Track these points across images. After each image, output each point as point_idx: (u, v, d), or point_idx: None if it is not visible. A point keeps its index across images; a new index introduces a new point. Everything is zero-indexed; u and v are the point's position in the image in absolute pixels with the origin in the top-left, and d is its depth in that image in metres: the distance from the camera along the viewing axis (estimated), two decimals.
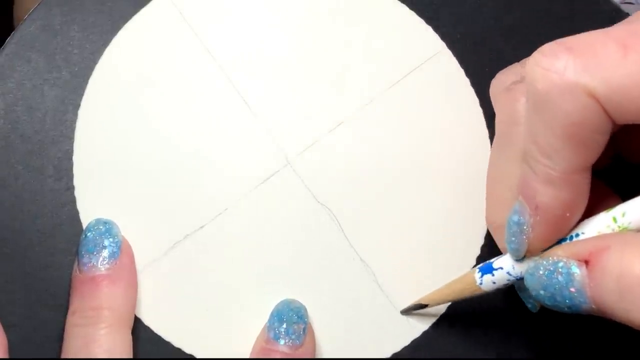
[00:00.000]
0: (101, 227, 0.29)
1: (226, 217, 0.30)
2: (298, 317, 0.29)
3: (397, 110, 0.31)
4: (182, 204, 0.30)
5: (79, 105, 0.31)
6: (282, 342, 0.28)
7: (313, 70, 0.31)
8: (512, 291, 0.31)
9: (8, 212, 0.30)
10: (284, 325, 0.28)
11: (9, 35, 0.31)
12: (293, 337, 0.28)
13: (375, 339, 0.30)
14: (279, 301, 0.29)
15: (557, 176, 0.24)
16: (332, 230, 0.30)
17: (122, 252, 0.29)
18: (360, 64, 0.32)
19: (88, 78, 0.31)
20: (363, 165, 0.31)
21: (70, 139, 0.30)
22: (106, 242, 0.29)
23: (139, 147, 0.30)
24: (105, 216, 0.30)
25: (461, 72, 0.32)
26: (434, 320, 0.30)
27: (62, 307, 0.29)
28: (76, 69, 0.31)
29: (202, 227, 0.30)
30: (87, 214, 0.30)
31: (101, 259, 0.28)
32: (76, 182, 0.30)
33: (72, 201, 0.30)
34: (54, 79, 0.31)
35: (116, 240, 0.29)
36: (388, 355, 0.30)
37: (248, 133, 0.31)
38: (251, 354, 0.29)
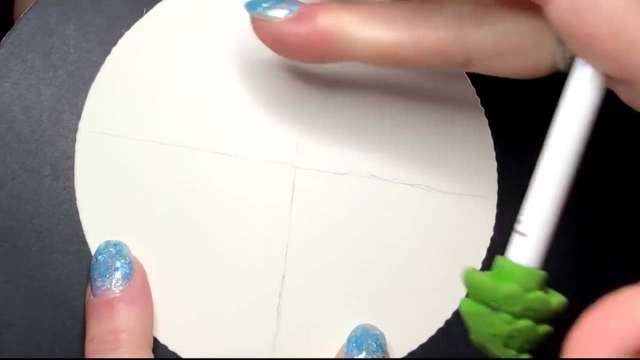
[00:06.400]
0: (111, 249, 0.29)
1: (224, 222, 0.30)
2: (377, 345, 0.28)
3: (392, 108, 0.31)
4: (182, 209, 0.30)
5: (75, 105, 0.30)
6: None
7: (308, 69, 0.31)
8: None
9: (5, 212, 0.30)
10: (363, 354, 0.28)
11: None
12: None
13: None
14: (356, 325, 0.29)
15: None
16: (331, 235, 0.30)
17: (135, 272, 0.28)
18: (354, 64, 0.31)
19: (84, 77, 0.31)
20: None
21: (67, 138, 0.30)
22: (118, 264, 0.28)
23: (141, 151, 0.30)
24: (105, 217, 0.30)
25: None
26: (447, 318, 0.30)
27: (59, 307, 0.29)
28: (72, 68, 0.31)
29: (201, 232, 0.30)
30: (87, 215, 0.30)
31: (114, 281, 0.28)
32: (77, 183, 0.30)
33: (69, 200, 0.30)
34: (50, 78, 0.31)
35: (128, 261, 0.29)
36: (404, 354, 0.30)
37: (251, 139, 0.31)
38: None
